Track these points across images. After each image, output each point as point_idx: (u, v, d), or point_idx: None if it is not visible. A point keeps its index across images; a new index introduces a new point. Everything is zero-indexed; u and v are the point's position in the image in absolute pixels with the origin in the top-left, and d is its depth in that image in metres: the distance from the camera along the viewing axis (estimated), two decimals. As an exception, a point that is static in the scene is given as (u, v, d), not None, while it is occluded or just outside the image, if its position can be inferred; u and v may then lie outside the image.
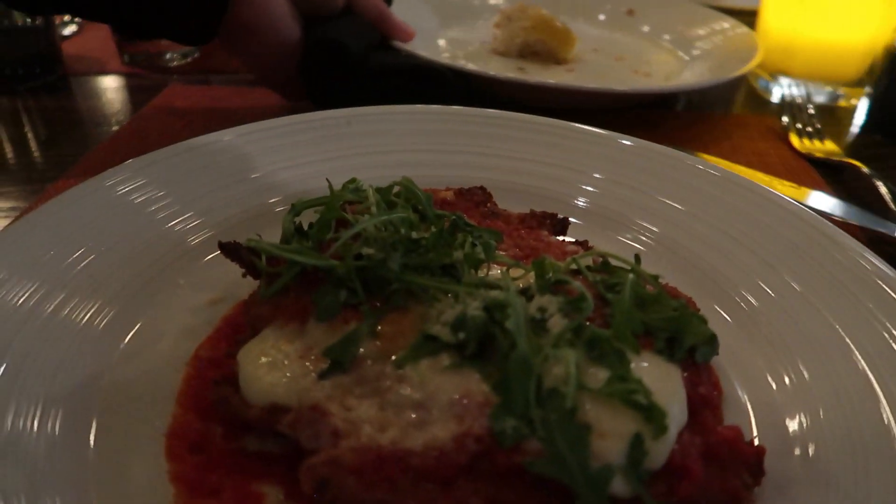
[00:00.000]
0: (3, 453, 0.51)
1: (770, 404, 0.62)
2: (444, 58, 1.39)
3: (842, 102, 1.41)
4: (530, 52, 1.44)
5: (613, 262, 0.63)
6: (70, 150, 1.13)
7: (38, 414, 0.55)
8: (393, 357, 0.54)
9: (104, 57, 1.51)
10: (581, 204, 0.89)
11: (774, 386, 0.64)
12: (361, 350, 0.55)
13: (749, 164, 1.10)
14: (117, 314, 0.66)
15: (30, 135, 1.20)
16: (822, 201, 0.97)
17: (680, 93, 1.36)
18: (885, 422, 0.56)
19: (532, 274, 0.61)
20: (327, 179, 0.73)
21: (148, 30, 1.05)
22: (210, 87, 1.37)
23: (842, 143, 1.25)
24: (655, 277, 0.59)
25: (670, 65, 1.49)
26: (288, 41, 1.11)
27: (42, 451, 0.52)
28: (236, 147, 0.89)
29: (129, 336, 0.66)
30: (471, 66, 1.24)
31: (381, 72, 1.15)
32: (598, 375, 0.50)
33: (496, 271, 0.63)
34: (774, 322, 0.70)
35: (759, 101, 1.45)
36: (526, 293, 0.58)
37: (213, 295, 0.72)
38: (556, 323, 0.53)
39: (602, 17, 1.73)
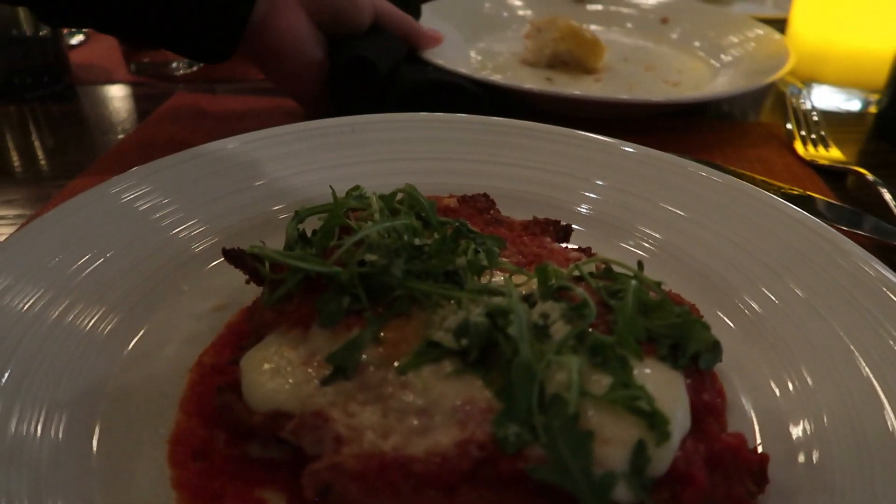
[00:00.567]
0: (8, 458, 0.51)
1: (774, 411, 0.61)
2: (474, 68, 1.42)
3: (872, 109, 1.41)
4: (560, 63, 1.46)
5: (616, 268, 0.63)
6: (77, 157, 1.14)
7: (42, 419, 0.55)
8: (396, 363, 0.54)
9: (111, 66, 1.54)
10: (584, 211, 0.89)
11: (778, 392, 0.63)
12: (364, 356, 0.55)
13: (753, 171, 1.10)
14: (122, 320, 0.67)
15: (37, 143, 1.21)
16: (827, 208, 0.97)
17: (704, 102, 1.36)
18: (890, 428, 0.55)
19: (535, 280, 0.61)
20: (331, 187, 0.74)
21: (167, 47, 1.06)
22: (215, 96, 1.38)
23: (857, 150, 1.25)
24: (658, 284, 0.59)
25: (700, 73, 1.49)
26: (312, 61, 1.13)
27: (46, 455, 0.52)
28: (241, 154, 0.90)
29: (133, 342, 0.66)
30: (495, 78, 1.26)
31: (409, 88, 1.16)
32: (601, 382, 0.50)
33: (499, 278, 0.63)
34: (778, 328, 0.69)
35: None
36: (529, 300, 0.58)
37: (217, 301, 0.72)
38: (559, 329, 0.53)
39: (630, 25, 1.74)
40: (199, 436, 0.57)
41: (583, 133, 0.97)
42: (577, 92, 1.32)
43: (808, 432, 0.58)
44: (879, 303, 0.66)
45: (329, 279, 0.60)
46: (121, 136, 1.22)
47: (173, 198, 0.81)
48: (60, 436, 0.54)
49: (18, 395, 0.56)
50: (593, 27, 1.59)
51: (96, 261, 0.71)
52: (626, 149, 0.94)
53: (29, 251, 0.68)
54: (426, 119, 1.00)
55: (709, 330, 0.55)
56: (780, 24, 1.58)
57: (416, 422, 0.50)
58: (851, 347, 0.63)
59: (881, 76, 1.31)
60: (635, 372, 0.51)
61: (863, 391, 0.59)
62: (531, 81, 1.40)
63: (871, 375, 0.60)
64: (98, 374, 0.61)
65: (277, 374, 0.56)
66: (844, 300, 0.68)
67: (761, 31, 1.55)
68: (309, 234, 0.68)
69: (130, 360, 0.64)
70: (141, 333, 0.67)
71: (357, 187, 0.79)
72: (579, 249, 0.72)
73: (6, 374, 0.57)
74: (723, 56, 1.53)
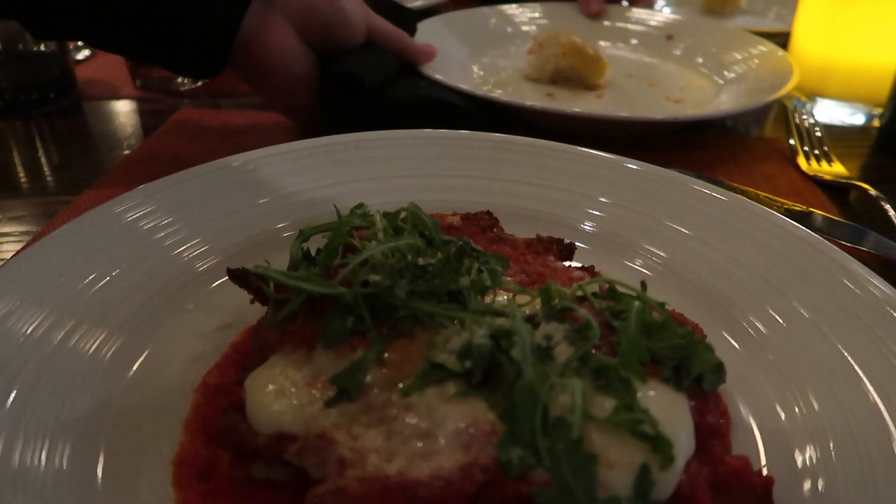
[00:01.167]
0: (13, 482, 0.51)
1: (779, 434, 0.61)
2: (476, 83, 1.41)
3: (876, 123, 1.41)
4: (562, 78, 1.46)
5: (620, 288, 0.63)
6: (83, 173, 1.15)
7: (46, 443, 0.55)
8: (400, 385, 0.54)
9: (116, 81, 1.54)
10: (588, 228, 0.89)
11: (783, 416, 0.63)
12: (368, 378, 0.55)
13: (757, 186, 1.10)
14: (126, 342, 0.67)
15: (43, 158, 1.22)
16: (828, 225, 0.97)
17: (706, 120, 1.36)
18: (897, 455, 0.55)
19: (538, 300, 0.61)
20: (335, 206, 0.74)
21: (154, 62, 1.08)
22: (220, 112, 1.39)
23: (860, 165, 1.25)
24: (662, 304, 0.59)
25: (704, 90, 1.49)
26: (301, 78, 1.13)
27: (50, 480, 0.52)
28: (245, 172, 0.90)
29: (137, 363, 0.66)
30: (496, 93, 1.27)
31: (399, 104, 1.16)
32: (605, 404, 0.50)
33: (502, 297, 0.63)
34: (783, 350, 0.69)
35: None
36: (532, 320, 0.58)
37: (222, 320, 0.72)
38: (563, 351, 0.53)
39: (635, 41, 1.75)
40: (203, 457, 0.57)
41: (586, 150, 0.97)
42: (576, 108, 1.32)
43: (814, 458, 0.57)
44: (886, 324, 0.66)
45: (333, 299, 0.61)
46: (126, 152, 1.23)
47: (177, 216, 0.81)
48: (65, 459, 0.54)
49: (22, 420, 0.56)
50: (600, 43, 1.59)
51: (100, 281, 0.71)
52: (630, 166, 0.94)
53: (33, 272, 0.69)
54: (429, 136, 1.00)
55: (712, 351, 0.55)
56: (781, 38, 1.59)
57: (419, 445, 0.50)
58: (857, 370, 0.63)
59: (886, 90, 1.31)
60: (639, 394, 0.51)
61: (869, 417, 0.59)
62: (533, 97, 1.40)
63: (877, 400, 0.60)
64: (102, 396, 0.61)
65: (282, 395, 0.56)
66: (850, 321, 0.68)
67: (765, 47, 1.55)
68: (313, 251, 0.69)
69: (134, 382, 0.64)
70: (145, 355, 0.67)
71: (361, 205, 0.80)
72: (582, 268, 0.72)
73: (10, 399, 0.57)
74: (726, 73, 1.54)
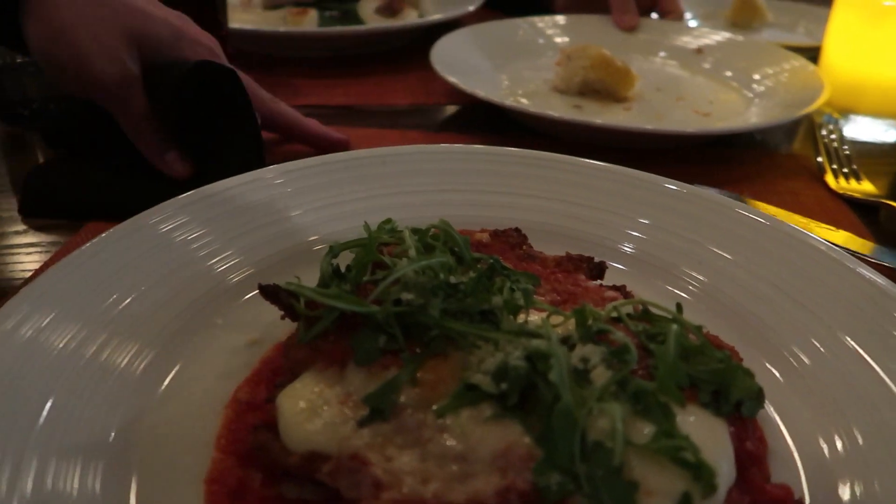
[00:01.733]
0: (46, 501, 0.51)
1: (822, 467, 0.59)
2: (503, 94, 1.41)
3: None
4: (590, 91, 1.46)
5: (654, 310, 0.62)
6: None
7: (79, 466, 0.55)
8: (433, 406, 0.54)
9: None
10: (626, 250, 0.87)
11: (827, 450, 0.61)
12: (402, 398, 0.55)
13: (784, 205, 1.09)
14: (157, 356, 0.67)
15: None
16: (872, 250, 0.94)
17: (734, 134, 1.35)
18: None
19: (572, 321, 0.60)
20: (365, 223, 0.74)
21: None
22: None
23: (889, 183, 1.23)
24: (699, 328, 0.58)
25: (733, 104, 1.49)
26: (101, 82, 0.96)
27: (84, 500, 0.52)
28: (277, 185, 0.91)
29: (168, 378, 0.66)
30: (523, 103, 1.27)
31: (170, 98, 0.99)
32: (644, 430, 0.49)
33: (535, 317, 0.62)
34: (827, 382, 0.67)
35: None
36: (567, 342, 0.57)
37: (251, 336, 0.72)
38: (600, 374, 0.53)
39: (664, 54, 1.75)
40: (235, 475, 0.57)
41: (622, 168, 0.95)
42: (604, 120, 1.32)
43: (858, 492, 0.56)
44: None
45: (364, 317, 0.60)
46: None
47: (210, 229, 0.82)
48: (98, 485, 0.54)
49: (54, 439, 0.56)
50: (628, 56, 1.58)
51: (132, 293, 0.71)
52: (670, 186, 0.92)
53: (65, 286, 0.69)
54: (459, 151, 1.00)
55: (752, 377, 0.54)
56: (810, 53, 1.57)
57: (455, 468, 0.50)
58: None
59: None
60: (678, 419, 0.50)
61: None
62: (560, 108, 1.39)
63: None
64: (134, 413, 0.61)
65: (314, 413, 0.56)
66: (896, 353, 0.65)
67: (796, 62, 1.53)
68: (342, 267, 0.69)
69: (166, 397, 0.64)
70: (175, 370, 0.67)
71: (389, 220, 0.79)
72: (614, 287, 0.71)
73: (42, 417, 0.57)
74: (756, 87, 1.53)
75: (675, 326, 0.56)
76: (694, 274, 0.83)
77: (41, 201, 1.04)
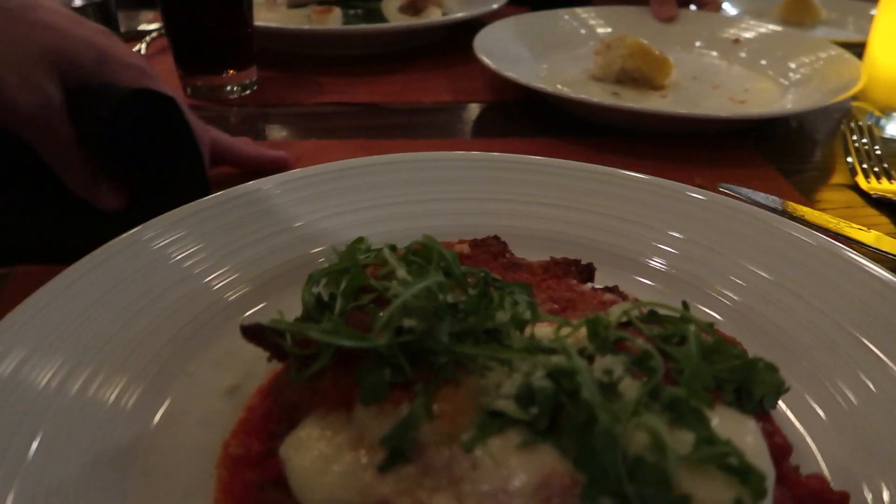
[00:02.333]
0: None
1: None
2: (542, 82, 1.44)
3: None
4: (628, 79, 1.50)
5: (658, 310, 0.61)
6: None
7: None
8: (457, 439, 0.50)
9: (168, 89, 1.46)
10: (656, 265, 0.84)
11: (870, 498, 0.56)
12: (422, 434, 0.51)
13: (812, 204, 1.08)
14: (146, 389, 0.63)
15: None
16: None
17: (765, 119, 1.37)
18: None
19: (581, 330, 0.58)
20: (332, 246, 0.70)
21: None
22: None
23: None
24: (710, 325, 0.57)
25: (769, 92, 1.52)
26: (16, 109, 0.86)
27: None
28: (276, 196, 0.88)
29: (158, 416, 0.62)
30: (563, 91, 1.32)
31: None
32: (682, 439, 0.48)
33: (541, 330, 0.60)
34: (876, 425, 0.60)
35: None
36: (583, 354, 0.55)
37: (230, 380, 0.67)
38: (628, 386, 0.51)
39: (700, 44, 1.78)
40: (245, 542, 0.51)
41: (645, 176, 0.92)
42: (637, 106, 1.35)
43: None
44: None
45: (364, 350, 0.56)
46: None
47: (206, 244, 0.79)
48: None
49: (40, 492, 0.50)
50: (665, 46, 1.61)
51: (123, 318, 0.68)
52: (697, 196, 0.88)
53: (51, 312, 0.66)
54: (426, 159, 0.97)
55: (776, 371, 0.54)
56: (858, 49, 1.54)
57: (496, 505, 0.47)
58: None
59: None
60: (713, 424, 0.49)
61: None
62: (598, 95, 1.44)
63: None
64: (121, 463, 0.56)
65: (327, 463, 0.51)
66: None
67: (833, 51, 1.55)
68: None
69: (144, 469, 0.58)
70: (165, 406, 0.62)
71: (360, 239, 0.75)
72: (607, 289, 0.70)
73: (25, 463, 0.52)
74: (791, 75, 1.56)
75: (692, 327, 0.55)
76: (727, 292, 0.78)
77: None
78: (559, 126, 1.37)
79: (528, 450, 0.49)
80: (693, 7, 2.00)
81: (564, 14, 1.83)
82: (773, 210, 0.98)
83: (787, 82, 1.55)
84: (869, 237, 0.95)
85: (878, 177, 1.18)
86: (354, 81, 1.62)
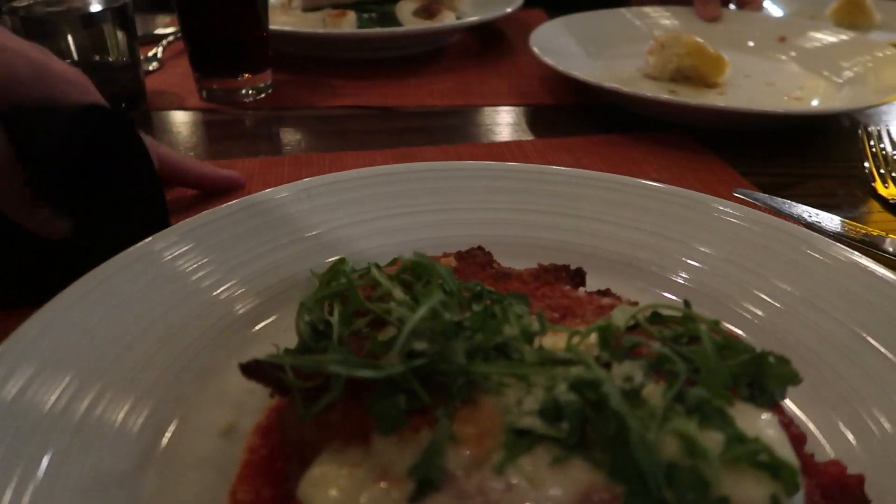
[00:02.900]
0: None
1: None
2: (594, 79, 1.43)
3: None
4: (682, 77, 1.52)
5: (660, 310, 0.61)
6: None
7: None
8: (486, 461, 0.49)
9: (183, 93, 1.55)
10: (679, 280, 0.82)
11: None
12: (448, 460, 0.49)
13: (828, 209, 1.07)
14: (154, 408, 0.62)
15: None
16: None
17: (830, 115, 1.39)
18: None
19: (589, 338, 0.58)
20: (311, 270, 0.70)
21: None
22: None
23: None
24: (716, 322, 0.58)
25: (823, 89, 1.55)
26: None
27: None
28: (292, 204, 0.86)
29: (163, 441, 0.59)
30: (625, 89, 1.35)
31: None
32: (712, 439, 0.48)
33: (551, 341, 0.59)
34: None
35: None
36: (598, 361, 0.55)
37: (224, 420, 0.63)
38: (651, 391, 0.51)
39: (751, 43, 1.82)
40: None
41: (671, 187, 0.90)
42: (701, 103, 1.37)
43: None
44: None
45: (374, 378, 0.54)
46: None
47: (215, 256, 0.78)
48: None
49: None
50: (713, 45, 1.63)
51: (127, 336, 0.66)
52: (724, 208, 0.86)
53: (54, 331, 0.64)
54: (400, 170, 0.95)
55: (788, 363, 0.55)
56: None
57: (539, 527, 0.45)
58: None
59: None
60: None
61: None
62: (656, 93, 1.45)
63: None
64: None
65: (353, 499, 0.49)
66: None
67: (889, 51, 1.57)
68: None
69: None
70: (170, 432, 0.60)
71: (342, 260, 0.72)
72: (599, 293, 0.70)
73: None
74: (845, 73, 1.59)
75: (702, 325, 0.55)
76: (752, 308, 0.75)
77: None
78: (584, 127, 1.42)
79: (561, 466, 0.48)
80: (732, 6, 2.04)
81: (615, 15, 1.88)
82: (796, 219, 0.98)
83: (840, 80, 1.58)
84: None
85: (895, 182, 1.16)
86: (368, 85, 1.63)
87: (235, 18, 1.41)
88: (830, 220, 1.00)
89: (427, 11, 1.81)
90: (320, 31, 1.74)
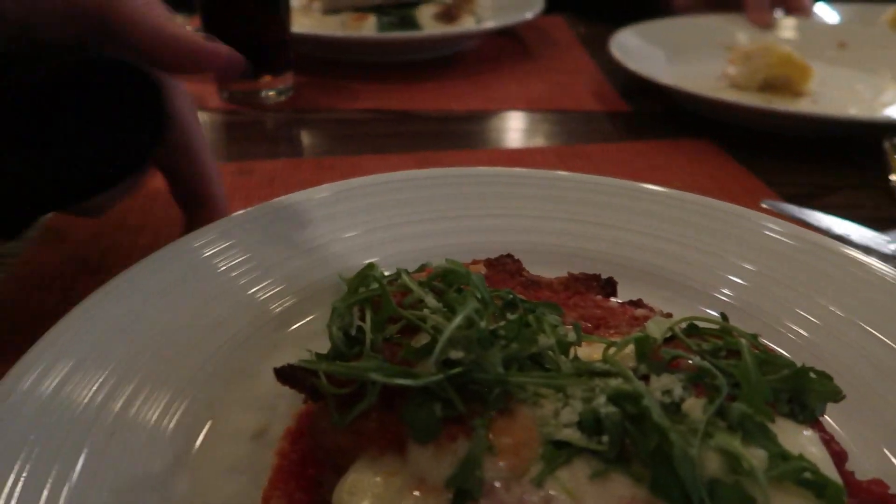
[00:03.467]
0: None
1: None
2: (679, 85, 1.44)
3: None
4: (768, 86, 1.54)
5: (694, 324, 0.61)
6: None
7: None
8: (523, 473, 0.49)
9: (204, 94, 1.55)
10: (722, 297, 0.80)
11: None
12: (486, 471, 0.49)
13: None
14: (186, 410, 0.61)
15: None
16: None
17: None
18: None
19: (626, 350, 0.57)
20: (339, 274, 0.69)
21: None
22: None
23: None
24: (755, 336, 0.57)
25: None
26: None
27: None
28: (330, 205, 0.87)
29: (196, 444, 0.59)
30: (726, 98, 1.38)
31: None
32: (755, 456, 0.47)
33: (586, 352, 0.58)
34: None
35: None
36: (635, 373, 0.54)
37: (255, 424, 0.62)
38: (691, 406, 0.50)
39: (807, 49, 1.80)
40: None
41: (712, 200, 0.90)
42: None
43: None
44: None
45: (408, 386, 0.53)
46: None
47: (254, 253, 0.78)
48: None
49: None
50: None
51: (165, 333, 0.66)
52: (772, 225, 0.85)
53: (92, 326, 0.64)
54: (437, 175, 0.95)
55: (830, 379, 0.54)
56: None
57: (580, 541, 0.45)
58: None
59: None
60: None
61: None
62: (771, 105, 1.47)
63: None
64: None
65: (389, 509, 0.48)
66: None
67: None
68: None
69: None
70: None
71: (371, 265, 0.72)
72: (632, 303, 0.70)
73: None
74: None
75: (742, 340, 0.55)
76: (795, 328, 0.73)
77: None
78: (604, 133, 1.42)
79: (601, 480, 0.47)
80: (780, 12, 2.03)
81: (700, 22, 1.89)
82: (825, 231, 0.98)
83: None
84: None
85: None
86: (388, 88, 1.64)
87: (258, 20, 1.42)
88: (858, 232, 0.99)
89: (447, 16, 1.82)
90: (340, 34, 1.75)
